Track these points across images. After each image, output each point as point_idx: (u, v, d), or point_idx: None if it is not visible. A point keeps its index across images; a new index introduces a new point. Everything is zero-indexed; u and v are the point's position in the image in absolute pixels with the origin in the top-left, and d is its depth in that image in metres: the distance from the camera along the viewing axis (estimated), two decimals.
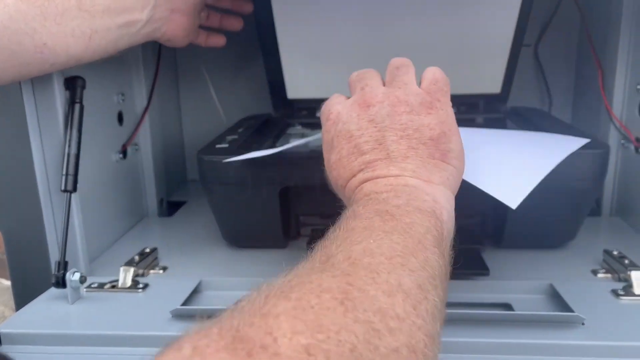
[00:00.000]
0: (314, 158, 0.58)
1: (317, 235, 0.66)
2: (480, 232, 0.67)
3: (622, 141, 0.73)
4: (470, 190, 0.46)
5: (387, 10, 0.72)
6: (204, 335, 0.22)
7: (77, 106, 0.55)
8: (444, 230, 0.35)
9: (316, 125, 0.78)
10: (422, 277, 0.29)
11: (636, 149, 0.68)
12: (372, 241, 0.30)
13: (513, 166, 0.52)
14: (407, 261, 0.29)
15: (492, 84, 0.78)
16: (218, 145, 0.62)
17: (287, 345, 0.21)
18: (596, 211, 0.78)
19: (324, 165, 0.46)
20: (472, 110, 0.82)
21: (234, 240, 0.66)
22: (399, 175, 0.38)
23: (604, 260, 0.59)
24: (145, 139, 0.79)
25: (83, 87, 0.56)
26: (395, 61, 0.46)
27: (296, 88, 0.81)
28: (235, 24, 0.72)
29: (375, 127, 0.40)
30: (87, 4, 0.49)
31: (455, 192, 0.41)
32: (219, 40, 0.71)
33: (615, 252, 0.59)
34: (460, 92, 0.80)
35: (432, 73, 0.44)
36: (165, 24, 0.58)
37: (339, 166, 0.41)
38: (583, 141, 0.56)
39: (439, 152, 0.40)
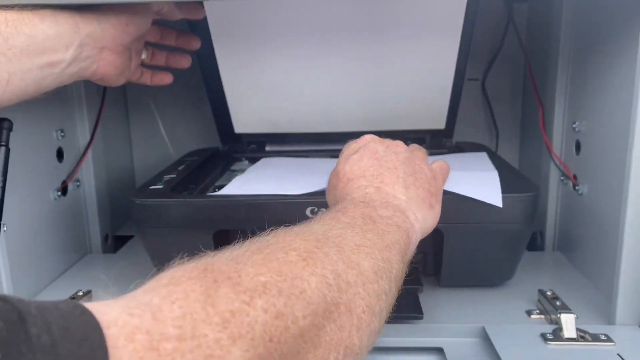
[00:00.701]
0: (248, 202, 0.58)
1: None
2: (423, 271, 0.67)
3: (562, 177, 0.74)
4: None
5: (331, 47, 0.72)
6: (181, 268, 0.28)
7: (1, 149, 0.54)
8: (409, 249, 0.42)
9: None
10: (379, 267, 0.35)
11: (574, 186, 0.69)
12: (349, 232, 0.36)
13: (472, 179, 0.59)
14: (372, 252, 0.35)
15: (436, 120, 0.79)
16: (152, 187, 0.61)
17: (248, 279, 0.27)
18: (540, 246, 0.79)
19: (260, 210, 0.52)
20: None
21: None
22: (396, 197, 0.45)
23: (539, 301, 0.60)
24: (88, 174, 0.78)
25: (9, 129, 0.55)
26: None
27: (243, 123, 0.81)
28: (182, 62, 0.70)
29: (397, 159, 0.49)
30: (2, 46, 0.48)
31: (426, 233, 0.48)
32: (164, 79, 0.70)
33: (548, 293, 0.59)
34: (406, 127, 0.81)
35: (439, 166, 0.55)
36: (95, 62, 0.57)
37: (356, 163, 0.49)
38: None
39: (430, 201, 0.48)
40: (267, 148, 0.84)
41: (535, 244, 0.81)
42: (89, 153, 0.77)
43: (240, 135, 0.83)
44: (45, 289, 0.67)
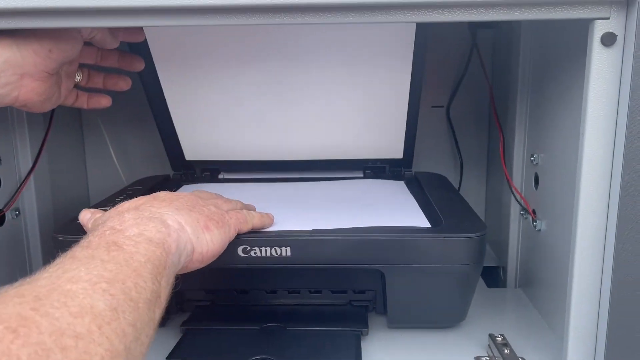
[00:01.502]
0: None
1: (199, 313, 0.63)
2: (374, 309, 0.63)
3: (522, 212, 0.71)
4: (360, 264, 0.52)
5: (281, 74, 0.69)
6: None
7: None
8: (167, 260, 0.41)
9: None
10: (120, 300, 0.33)
11: (532, 221, 0.66)
12: (83, 269, 0.34)
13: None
14: (111, 287, 0.33)
15: (393, 149, 0.76)
16: (79, 221, 0.58)
17: None
18: (502, 282, 0.76)
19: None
20: (378, 174, 0.80)
21: None
22: (159, 212, 0.45)
23: (489, 346, 0.56)
24: (30, 202, 0.74)
25: None
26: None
27: (193, 150, 0.78)
28: (120, 84, 0.66)
29: (178, 196, 0.50)
30: None
31: (206, 255, 0.48)
32: (102, 102, 0.67)
33: (499, 338, 0.56)
34: (363, 156, 0.78)
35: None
36: (15, 89, 0.53)
37: (134, 201, 0.48)
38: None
39: (207, 223, 0.48)
40: (220, 176, 0.81)
41: (497, 280, 0.78)
42: (31, 180, 0.74)
43: (192, 162, 0.80)
44: None
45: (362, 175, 0.80)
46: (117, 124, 0.90)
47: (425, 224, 0.57)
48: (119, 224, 0.41)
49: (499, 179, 0.78)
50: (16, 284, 0.31)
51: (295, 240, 0.53)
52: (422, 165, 0.88)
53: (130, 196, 0.68)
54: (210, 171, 0.81)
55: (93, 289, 0.32)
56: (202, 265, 0.48)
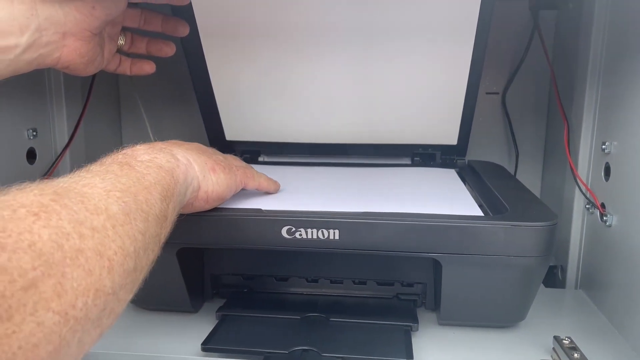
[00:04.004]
0: (214, 219, 0.51)
1: (235, 299, 0.59)
2: (423, 304, 0.59)
3: (587, 206, 0.65)
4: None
5: (332, 52, 0.65)
6: None
7: None
8: (175, 187, 0.42)
9: None
10: (132, 209, 0.35)
11: (601, 216, 0.60)
12: (98, 179, 0.35)
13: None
14: (124, 196, 0.35)
15: (447, 135, 0.71)
16: None
17: None
18: (560, 282, 0.70)
19: (228, 228, 0.51)
20: (427, 162, 0.75)
21: (139, 302, 0.58)
22: (169, 148, 0.45)
23: (554, 349, 0.51)
24: None
25: None
26: None
27: (235, 130, 0.74)
28: (165, 50, 0.63)
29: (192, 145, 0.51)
30: None
31: (212, 196, 0.49)
32: (145, 68, 0.63)
33: (566, 341, 0.50)
34: (414, 142, 0.73)
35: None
36: (57, 49, 0.51)
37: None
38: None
39: (214, 166, 0.49)
40: (261, 158, 0.77)
41: (554, 280, 0.72)
42: (67, 155, 0.71)
43: (232, 143, 0.76)
44: None
45: (410, 162, 0.75)
46: (155, 101, 0.87)
47: (478, 212, 0.51)
48: (131, 151, 0.43)
49: (560, 171, 0.72)
50: (35, 182, 0.32)
51: (344, 223, 0.48)
52: (474, 153, 0.82)
53: None
54: (251, 153, 0.77)
55: (107, 195, 0.34)
56: (207, 206, 0.49)
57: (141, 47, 0.62)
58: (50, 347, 0.26)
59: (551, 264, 0.73)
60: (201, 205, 0.49)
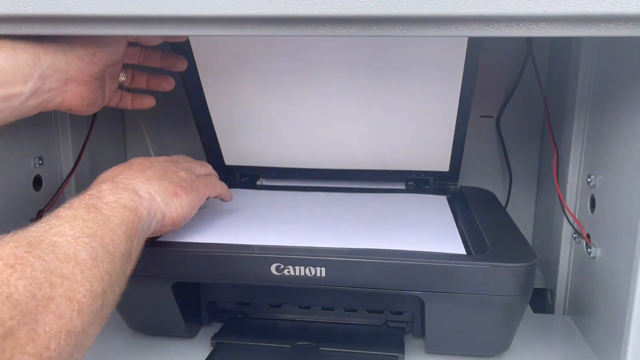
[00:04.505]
0: (207, 255, 0.53)
1: (230, 325, 0.62)
2: (411, 331, 0.61)
3: (574, 235, 0.66)
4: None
5: (327, 82, 0.67)
6: None
7: None
8: (139, 224, 0.46)
9: None
10: (99, 252, 0.38)
11: (587, 246, 0.61)
12: (67, 226, 0.39)
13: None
14: (92, 241, 0.38)
15: (439, 162, 0.73)
16: None
17: None
18: (550, 306, 0.71)
19: (219, 264, 0.53)
20: (421, 187, 0.77)
21: (136, 327, 0.61)
22: (131, 183, 0.49)
23: None
24: None
25: None
26: None
27: (233, 155, 0.77)
28: (164, 85, 0.66)
29: (151, 164, 0.54)
30: None
31: (176, 220, 0.52)
32: (145, 102, 0.66)
33: None
34: (407, 168, 0.75)
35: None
36: (60, 94, 0.53)
37: (112, 170, 0.53)
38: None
39: (175, 190, 0.53)
40: (259, 182, 0.80)
41: (544, 303, 0.73)
42: (72, 181, 0.74)
43: (232, 167, 0.79)
44: None
45: (404, 187, 0.77)
46: (159, 126, 0.89)
47: (461, 250, 0.53)
48: (97, 192, 0.46)
49: (551, 198, 0.73)
50: (9, 233, 0.35)
51: (330, 261, 0.51)
52: (469, 177, 0.84)
53: None
54: (250, 177, 0.80)
55: (76, 242, 0.37)
56: (176, 228, 0.53)
57: (141, 82, 0.64)
58: None
59: (541, 287, 0.75)
60: (169, 229, 0.53)
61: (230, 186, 0.78)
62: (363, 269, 0.50)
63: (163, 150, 0.90)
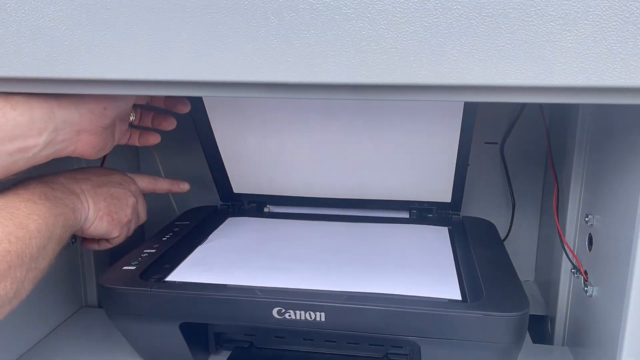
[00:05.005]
0: (213, 298, 0.55)
1: (237, 355, 0.64)
2: None
3: (573, 270, 0.67)
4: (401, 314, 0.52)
5: (330, 123, 0.69)
6: None
7: None
8: (75, 222, 0.56)
9: None
10: (42, 227, 0.49)
11: (585, 283, 0.63)
12: (23, 205, 0.50)
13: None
14: (39, 219, 0.49)
15: (441, 193, 0.74)
16: (125, 267, 0.60)
17: None
18: (549, 335, 0.73)
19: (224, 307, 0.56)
20: (424, 216, 0.78)
21: (146, 356, 0.64)
22: (81, 191, 0.59)
23: None
24: None
25: None
26: None
27: (241, 183, 0.79)
28: (166, 125, 0.68)
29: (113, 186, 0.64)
30: None
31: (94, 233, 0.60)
32: (150, 140, 0.69)
33: None
34: (410, 198, 0.76)
35: None
36: (72, 144, 0.55)
37: None
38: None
39: (107, 218, 0.61)
40: (266, 209, 0.82)
41: (544, 331, 0.75)
42: None
43: (240, 195, 0.81)
44: (41, 342, 0.69)
45: (407, 216, 0.79)
46: (170, 153, 0.92)
47: (457, 296, 0.55)
48: (53, 181, 0.57)
49: (552, 228, 0.75)
50: None
51: (329, 306, 0.53)
52: (472, 203, 0.85)
53: (177, 233, 0.71)
54: (257, 204, 0.82)
55: (28, 217, 0.49)
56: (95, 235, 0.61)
57: (147, 120, 0.67)
58: None
59: (542, 314, 0.77)
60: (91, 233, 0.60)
61: (238, 213, 0.81)
62: (361, 315, 0.53)
63: (175, 177, 0.93)
